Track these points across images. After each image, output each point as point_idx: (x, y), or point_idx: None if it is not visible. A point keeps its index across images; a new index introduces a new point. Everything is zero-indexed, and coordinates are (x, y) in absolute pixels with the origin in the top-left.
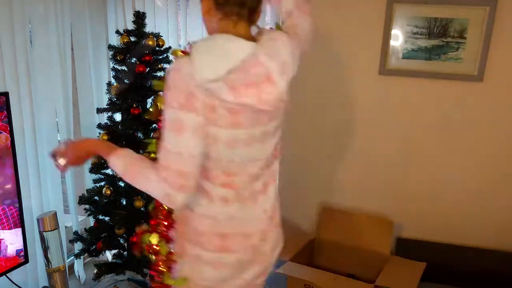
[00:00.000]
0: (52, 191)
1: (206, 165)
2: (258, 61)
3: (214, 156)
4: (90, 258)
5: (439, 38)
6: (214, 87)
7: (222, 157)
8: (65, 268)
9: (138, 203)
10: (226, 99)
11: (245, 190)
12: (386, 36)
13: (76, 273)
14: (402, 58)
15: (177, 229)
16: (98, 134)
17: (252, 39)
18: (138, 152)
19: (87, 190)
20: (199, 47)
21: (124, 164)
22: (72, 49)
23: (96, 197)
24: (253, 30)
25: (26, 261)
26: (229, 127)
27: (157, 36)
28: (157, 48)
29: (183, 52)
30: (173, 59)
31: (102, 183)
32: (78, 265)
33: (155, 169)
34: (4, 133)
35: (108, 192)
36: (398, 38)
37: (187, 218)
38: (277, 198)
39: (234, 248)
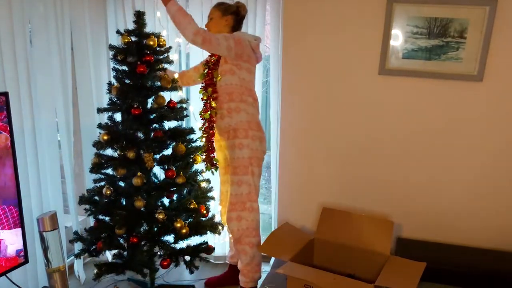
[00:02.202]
0: (52, 191)
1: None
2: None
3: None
4: (90, 258)
5: (439, 38)
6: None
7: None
8: (65, 268)
9: (138, 203)
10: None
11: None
12: (386, 36)
13: (76, 273)
14: (402, 58)
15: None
16: (98, 134)
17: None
18: (139, 153)
19: (87, 190)
20: (238, 33)
21: (180, 7)
22: (72, 49)
23: (96, 197)
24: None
25: (26, 261)
26: (247, 62)
27: (157, 36)
28: (158, 48)
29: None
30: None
31: (102, 183)
32: (78, 265)
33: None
34: (4, 133)
35: (108, 192)
36: (398, 38)
37: None
38: None
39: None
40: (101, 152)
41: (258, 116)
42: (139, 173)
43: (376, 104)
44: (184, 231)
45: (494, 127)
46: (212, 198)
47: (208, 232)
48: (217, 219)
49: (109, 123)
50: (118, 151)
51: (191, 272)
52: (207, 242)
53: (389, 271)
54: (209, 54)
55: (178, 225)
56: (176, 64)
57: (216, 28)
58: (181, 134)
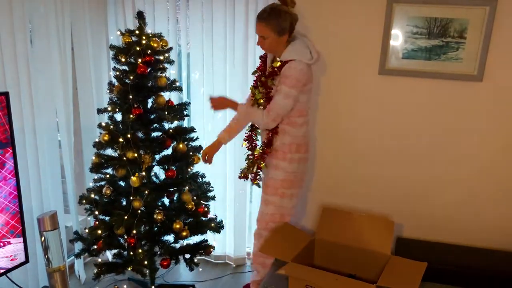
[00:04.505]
0: (52, 191)
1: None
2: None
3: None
4: (90, 258)
5: (439, 38)
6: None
7: (300, 100)
8: (65, 268)
9: (137, 203)
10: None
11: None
12: (386, 36)
13: (76, 273)
14: (402, 58)
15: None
16: (98, 134)
17: None
18: (139, 152)
19: (87, 190)
20: (296, 66)
21: (245, 108)
22: (72, 49)
23: (96, 197)
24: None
25: (27, 260)
26: (308, 87)
27: (159, 36)
28: (159, 49)
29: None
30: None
31: (102, 183)
32: (78, 264)
33: (263, 110)
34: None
35: (108, 192)
36: (398, 38)
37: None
38: None
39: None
40: (101, 152)
41: (302, 137)
42: (137, 173)
43: (376, 104)
44: (184, 233)
45: (494, 127)
46: (212, 198)
47: (208, 231)
48: (218, 219)
49: (109, 123)
50: (118, 151)
51: (191, 269)
52: (207, 240)
53: (391, 271)
54: (269, 65)
55: (177, 226)
56: (176, 64)
57: (271, 46)
58: (182, 133)
